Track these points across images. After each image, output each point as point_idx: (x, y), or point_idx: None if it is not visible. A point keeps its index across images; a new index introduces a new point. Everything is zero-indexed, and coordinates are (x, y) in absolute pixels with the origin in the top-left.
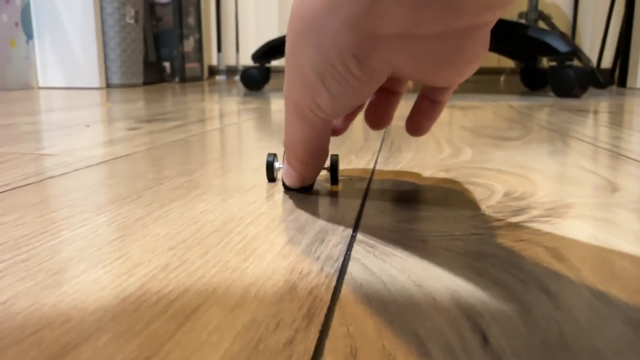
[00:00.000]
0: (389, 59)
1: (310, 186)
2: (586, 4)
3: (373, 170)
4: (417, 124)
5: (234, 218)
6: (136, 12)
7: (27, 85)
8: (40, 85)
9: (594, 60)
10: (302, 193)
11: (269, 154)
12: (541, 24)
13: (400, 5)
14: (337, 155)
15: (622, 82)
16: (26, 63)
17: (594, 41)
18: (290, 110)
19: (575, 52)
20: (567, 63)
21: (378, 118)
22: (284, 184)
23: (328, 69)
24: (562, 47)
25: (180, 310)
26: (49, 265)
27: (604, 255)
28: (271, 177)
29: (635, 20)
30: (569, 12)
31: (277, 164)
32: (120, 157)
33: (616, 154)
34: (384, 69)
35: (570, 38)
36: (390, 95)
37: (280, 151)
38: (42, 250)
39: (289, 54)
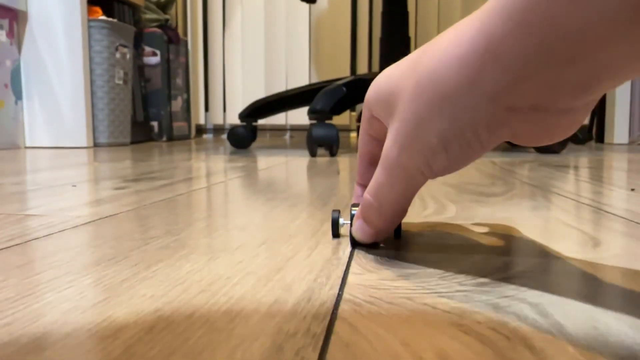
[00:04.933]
0: (517, 128)
1: (379, 242)
2: None
3: None
4: None
5: (220, 278)
6: (125, 74)
7: (13, 145)
8: (27, 144)
9: None
10: (370, 248)
11: (334, 210)
12: None
13: (541, 84)
14: None
15: (600, 138)
16: (14, 123)
17: None
18: (394, 173)
19: None
20: None
21: None
22: (352, 240)
23: (457, 137)
24: None
25: None
26: (32, 329)
27: (587, 311)
28: (336, 233)
29: None
30: None
31: (342, 220)
32: (106, 217)
33: (597, 209)
34: (506, 136)
35: None
36: None
37: (276, 210)
38: (26, 313)
39: (410, 122)
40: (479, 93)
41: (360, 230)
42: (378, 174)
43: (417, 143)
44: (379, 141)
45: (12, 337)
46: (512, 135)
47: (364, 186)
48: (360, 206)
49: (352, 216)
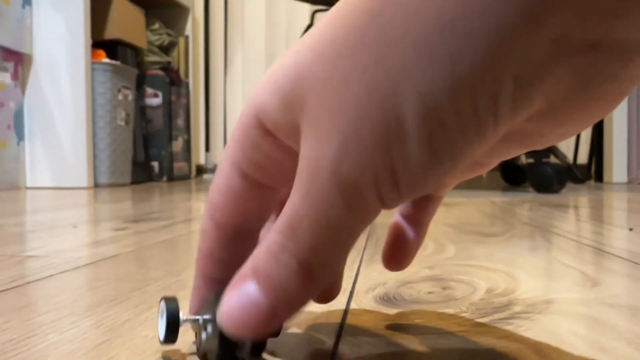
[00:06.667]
0: (555, 89)
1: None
2: None
3: (358, 269)
4: (401, 257)
5: None
6: (127, 115)
7: (14, 186)
8: (28, 185)
9: (570, 156)
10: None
11: (168, 299)
12: None
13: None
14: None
15: (599, 177)
16: (15, 164)
17: (569, 139)
18: (327, 197)
19: (551, 150)
20: (544, 160)
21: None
22: (220, 345)
23: (458, 103)
24: None
25: None
26: None
27: (584, 351)
28: (172, 337)
29: (605, 117)
30: None
31: (183, 315)
32: (107, 258)
33: (596, 249)
34: (537, 104)
35: None
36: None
37: None
38: (29, 355)
39: (362, 90)
40: (505, 11)
41: (245, 304)
42: (295, 204)
43: (377, 127)
44: (258, 187)
45: None
46: (544, 107)
47: (209, 279)
48: (250, 260)
49: (203, 321)
